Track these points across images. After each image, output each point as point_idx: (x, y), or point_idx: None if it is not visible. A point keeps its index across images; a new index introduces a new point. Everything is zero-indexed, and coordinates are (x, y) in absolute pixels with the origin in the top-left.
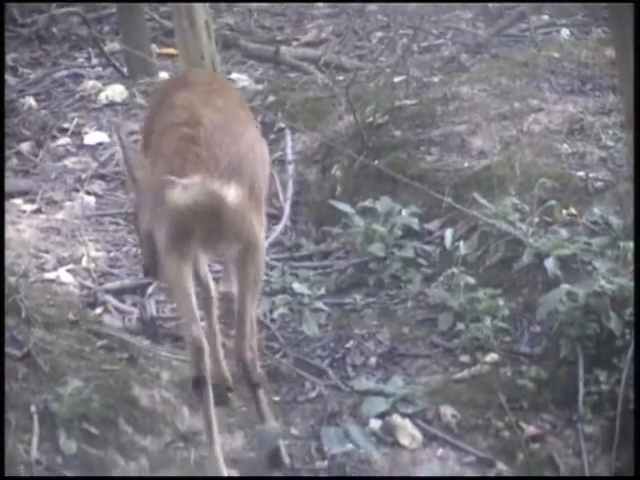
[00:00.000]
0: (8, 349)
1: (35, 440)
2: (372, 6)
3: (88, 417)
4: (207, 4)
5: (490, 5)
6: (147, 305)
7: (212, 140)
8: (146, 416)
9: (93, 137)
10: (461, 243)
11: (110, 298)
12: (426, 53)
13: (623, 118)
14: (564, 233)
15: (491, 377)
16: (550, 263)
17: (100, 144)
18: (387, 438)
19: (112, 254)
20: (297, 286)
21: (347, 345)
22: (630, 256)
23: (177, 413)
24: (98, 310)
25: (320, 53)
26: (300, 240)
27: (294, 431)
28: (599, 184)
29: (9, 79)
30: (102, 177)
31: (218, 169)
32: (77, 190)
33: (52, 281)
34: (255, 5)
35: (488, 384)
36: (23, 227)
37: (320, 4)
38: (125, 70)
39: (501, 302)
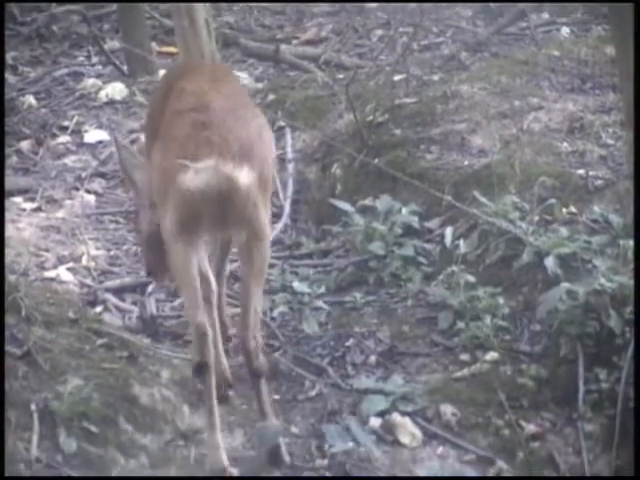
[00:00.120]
0: (8, 347)
1: (35, 438)
2: (372, 4)
3: (88, 415)
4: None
5: (490, 3)
6: (147, 303)
7: (223, 125)
8: (146, 414)
9: (93, 135)
10: (461, 241)
11: (110, 296)
12: (426, 51)
13: (623, 116)
14: (564, 231)
15: (491, 375)
16: (550, 261)
17: (100, 142)
18: (387, 436)
19: (112, 252)
20: (297, 284)
21: (347, 343)
22: (630, 254)
23: (177, 411)
24: (98, 308)
25: (320, 51)
26: (300, 238)
27: (294, 429)
28: (599, 182)
29: (9, 77)
30: (102, 175)
31: (230, 153)
32: (77, 188)
33: (52, 279)
34: (255, 3)
35: (488, 382)
36: (23, 225)
37: (320, 2)
38: (125, 68)
39: (501, 300)
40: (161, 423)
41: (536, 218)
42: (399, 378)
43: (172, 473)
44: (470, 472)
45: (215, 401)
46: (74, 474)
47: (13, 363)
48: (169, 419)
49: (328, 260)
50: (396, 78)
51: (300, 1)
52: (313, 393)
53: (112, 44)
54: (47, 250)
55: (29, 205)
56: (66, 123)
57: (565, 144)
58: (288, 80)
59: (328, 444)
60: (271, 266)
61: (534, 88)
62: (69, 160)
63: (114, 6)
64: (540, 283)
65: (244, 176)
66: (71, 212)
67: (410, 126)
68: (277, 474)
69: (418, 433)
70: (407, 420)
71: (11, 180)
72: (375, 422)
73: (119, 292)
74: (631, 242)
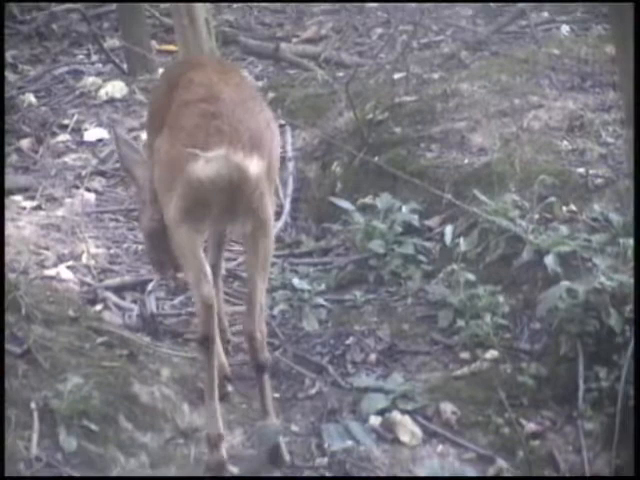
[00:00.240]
0: (8, 346)
1: (35, 437)
2: (372, 2)
3: (88, 414)
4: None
5: (490, 3)
6: (147, 302)
7: (233, 115)
8: (146, 413)
9: (93, 133)
10: (461, 240)
11: (110, 295)
12: (426, 50)
13: (623, 115)
14: (564, 230)
15: (491, 374)
16: (550, 260)
17: (100, 140)
18: (387, 435)
19: (112, 251)
20: (297, 282)
21: (347, 342)
22: (630, 253)
23: (177, 410)
24: (98, 307)
25: (320, 50)
26: (300, 237)
27: (294, 428)
28: (599, 181)
29: (9, 76)
30: (102, 174)
31: (241, 142)
32: (77, 187)
33: (52, 278)
34: (255, 3)
35: (488, 381)
36: (23, 224)
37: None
38: (125, 66)
39: (501, 299)
40: (161, 421)
41: (536, 216)
42: (399, 376)
43: (172, 471)
44: (470, 471)
45: (216, 372)
46: (74, 473)
47: (13, 361)
48: (169, 417)
49: (328, 258)
50: (396, 76)
51: (300, 1)
52: (313, 391)
53: (112, 42)
54: (47, 248)
55: (29, 203)
56: (66, 121)
57: (565, 142)
58: (288, 78)
59: (328, 442)
60: (271, 264)
61: (534, 86)
62: (69, 158)
63: (114, 4)
64: (540, 281)
65: (254, 165)
66: (71, 210)
67: (410, 124)
68: (277, 473)
69: (418, 431)
70: (407, 418)
71: (11, 178)
72: (375, 420)
73: (119, 290)
74: (631, 241)
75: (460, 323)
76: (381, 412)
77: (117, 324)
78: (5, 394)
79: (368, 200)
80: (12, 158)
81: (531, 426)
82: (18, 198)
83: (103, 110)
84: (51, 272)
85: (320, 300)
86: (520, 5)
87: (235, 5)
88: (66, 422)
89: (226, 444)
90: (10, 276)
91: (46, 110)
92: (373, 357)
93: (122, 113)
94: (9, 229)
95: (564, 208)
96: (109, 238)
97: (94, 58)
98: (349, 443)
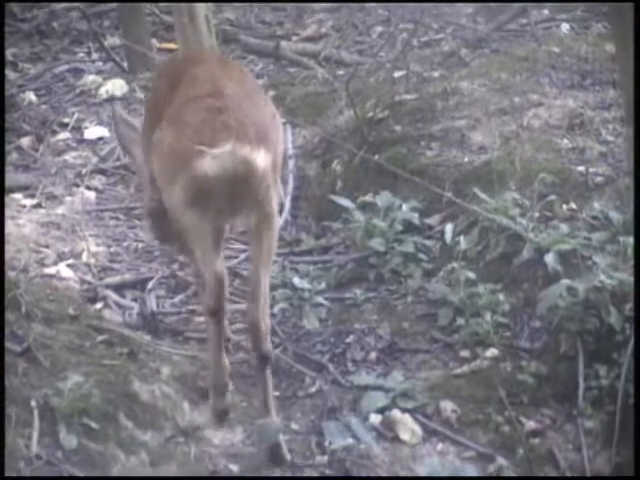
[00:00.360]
0: (8, 344)
1: (35, 435)
2: (372, 2)
3: (88, 412)
4: None
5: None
6: (147, 300)
7: (239, 109)
8: (146, 411)
9: (93, 132)
10: (461, 238)
11: (110, 293)
12: (426, 48)
13: (623, 113)
14: (564, 228)
15: (491, 372)
16: (550, 258)
17: (100, 139)
18: (387, 433)
19: (112, 249)
20: (297, 281)
21: (347, 340)
22: (630, 251)
23: (177, 408)
24: (98, 305)
25: (320, 48)
26: (300, 235)
27: (294, 426)
28: (599, 179)
29: (9, 74)
30: (102, 172)
31: (247, 136)
32: (77, 185)
33: (52, 276)
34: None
35: (488, 379)
36: (23, 222)
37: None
38: (125, 65)
39: (501, 297)
40: (161, 420)
41: (536, 215)
42: (399, 375)
43: (172, 470)
44: (470, 469)
45: (224, 332)
46: (74, 471)
47: (13, 360)
48: (169, 416)
49: (328, 256)
50: (396, 75)
51: (301, 1)
52: (313, 390)
53: (112, 40)
54: (47, 247)
55: (29, 202)
56: (66, 120)
57: (565, 141)
58: (288, 76)
59: (328, 440)
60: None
61: (534, 85)
62: (69, 157)
63: (114, 2)
64: (540, 280)
65: (261, 158)
66: (71, 209)
67: (410, 122)
68: (277, 471)
69: (418, 430)
70: (407, 417)
71: (11, 177)
72: (375, 419)
73: (119, 289)
74: (631, 239)
75: (460, 321)
76: (381, 410)
77: (117, 322)
78: (5, 392)
79: (368, 198)
80: (12, 156)
81: (531, 424)
82: (18, 196)
83: (103, 108)
84: (51, 270)
85: (320, 298)
86: (520, 3)
87: (235, 3)
88: (66, 420)
89: (226, 442)
90: (10, 274)
91: (46, 108)
92: (373, 355)
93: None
94: (9, 227)
95: (564, 206)
96: (109, 236)
97: (94, 56)
98: (349, 441)
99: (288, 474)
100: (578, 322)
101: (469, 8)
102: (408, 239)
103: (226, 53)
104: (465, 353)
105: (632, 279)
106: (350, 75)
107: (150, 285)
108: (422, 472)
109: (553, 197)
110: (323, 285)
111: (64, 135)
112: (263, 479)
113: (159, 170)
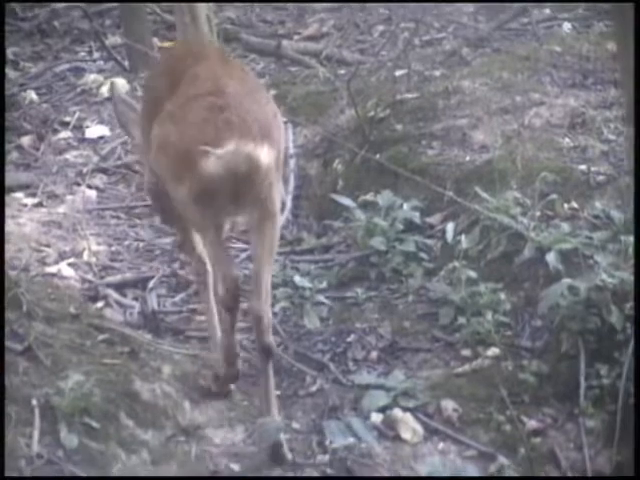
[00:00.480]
0: (9, 343)
1: (36, 434)
2: (373, 1)
3: (89, 411)
4: None
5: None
6: (148, 299)
7: (241, 107)
8: (147, 410)
9: (94, 131)
10: (462, 237)
11: (111, 292)
12: (428, 47)
13: (624, 112)
14: (565, 227)
15: (492, 371)
16: (551, 257)
17: (101, 138)
18: (388, 432)
19: (113, 248)
20: (298, 280)
21: (348, 339)
22: (631, 250)
23: (178, 407)
24: (99, 304)
25: (321, 47)
26: (301, 234)
27: (295, 425)
28: (600, 178)
29: (10, 73)
30: (103, 171)
31: (251, 133)
32: (78, 184)
33: (53, 275)
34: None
35: (489, 378)
36: (24, 221)
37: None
38: (126, 64)
39: (502, 296)
40: (162, 419)
41: (537, 214)
42: (400, 374)
43: (173, 469)
44: (471, 468)
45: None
46: (75, 470)
47: (14, 359)
48: (170, 415)
49: (329, 255)
50: (397, 73)
51: (302, 1)
52: (314, 389)
53: (113, 39)
54: (48, 245)
55: (30, 200)
56: (67, 118)
57: (567, 140)
58: (289, 76)
59: (329, 439)
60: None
61: (535, 84)
62: (70, 155)
63: (115, 2)
64: (541, 279)
65: (265, 155)
66: (72, 207)
67: (411, 121)
68: (278, 471)
69: (419, 429)
70: (408, 416)
71: (12, 176)
72: (376, 418)
73: (120, 287)
74: (632, 238)
75: (461, 320)
76: (382, 409)
77: (118, 321)
78: (6, 391)
79: (369, 197)
80: (13, 155)
81: (532, 423)
82: (19, 195)
83: (104, 107)
84: (52, 269)
85: (321, 297)
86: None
87: (237, 2)
88: (67, 419)
89: (227, 441)
90: (11, 273)
91: (47, 107)
92: (374, 354)
93: None
94: (10, 226)
95: (565, 205)
96: (110, 235)
97: (96, 55)
98: (350, 440)
99: (289, 473)
100: (579, 321)
101: (470, 7)
102: (409, 238)
103: (227, 52)
104: (466, 352)
105: (633, 278)
106: (351, 74)
107: (151, 284)
108: (423, 471)
109: (554, 196)
110: (324, 284)
111: (65, 134)
112: (264, 479)
113: (163, 168)
